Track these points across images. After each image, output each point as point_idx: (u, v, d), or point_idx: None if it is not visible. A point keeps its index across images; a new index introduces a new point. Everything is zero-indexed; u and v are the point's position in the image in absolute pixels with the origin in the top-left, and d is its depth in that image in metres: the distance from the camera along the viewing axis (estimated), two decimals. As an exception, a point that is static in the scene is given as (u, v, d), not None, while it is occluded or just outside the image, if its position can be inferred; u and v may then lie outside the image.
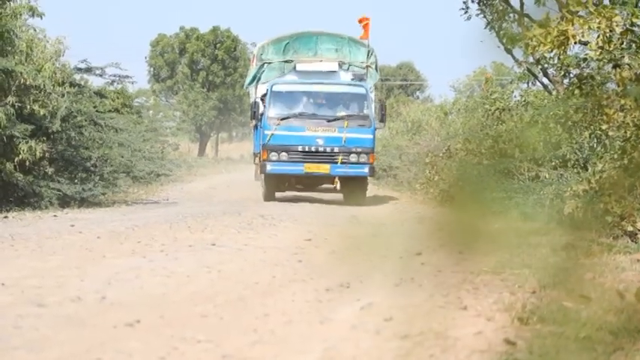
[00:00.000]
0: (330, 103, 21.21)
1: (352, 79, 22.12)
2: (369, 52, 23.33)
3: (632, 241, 10.17)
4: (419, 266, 8.49)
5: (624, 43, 10.28)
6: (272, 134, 20.68)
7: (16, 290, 7.02)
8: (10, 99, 16.54)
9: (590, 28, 10.18)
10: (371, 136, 20.69)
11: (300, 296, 7.14)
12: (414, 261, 8.90)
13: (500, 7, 21.05)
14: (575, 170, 12.55)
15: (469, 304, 6.51)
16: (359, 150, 20.45)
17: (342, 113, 20.84)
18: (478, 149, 16.58)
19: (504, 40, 20.83)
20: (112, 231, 11.73)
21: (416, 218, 14.67)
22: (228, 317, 6.33)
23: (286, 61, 23.16)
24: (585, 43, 10.82)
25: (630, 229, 10.28)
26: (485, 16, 21.30)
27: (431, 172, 20.48)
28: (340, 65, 23.02)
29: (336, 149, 20.44)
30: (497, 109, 17.64)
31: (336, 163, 20.47)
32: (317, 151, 20.46)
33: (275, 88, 21.27)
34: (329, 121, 20.60)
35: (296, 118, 20.74)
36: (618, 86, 10.83)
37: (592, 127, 11.32)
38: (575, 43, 10.44)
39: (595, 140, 11.86)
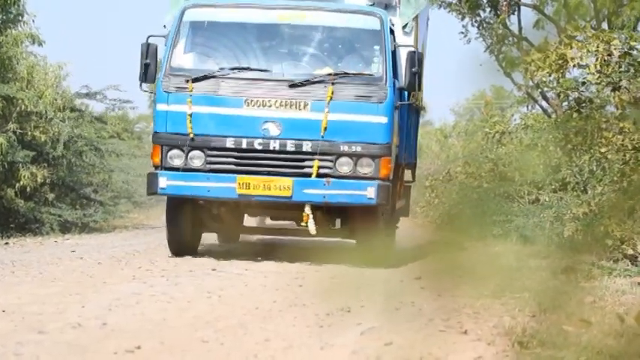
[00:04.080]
0: (303, 51, 11.21)
1: (369, 4, 11.60)
2: None
3: (633, 264, 10.18)
4: (419, 290, 8.50)
5: (622, 67, 10.33)
6: (171, 112, 10.77)
7: (16, 317, 7.02)
8: (11, 125, 16.59)
9: (588, 51, 10.24)
10: (385, 120, 10.66)
11: (300, 321, 7.14)
12: (414, 285, 8.92)
13: (500, 31, 21.18)
14: (575, 193, 12.57)
15: (469, 328, 6.51)
16: (357, 149, 10.60)
17: (326, 70, 10.90)
18: (478, 172, 16.62)
19: (504, 64, 20.97)
20: (113, 257, 11.73)
21: (416, 242, 14.67)
22: (229, 343, 6.33)
23: None
24: (584, 67, 10.87)
25: (630, 252, 10.29)
26: (484, 40, 21.46)
27: (431, 196, 20.50)
28: None
29: (306, 146, 10.63)
30: (497, 132, 17.68)
31: (307, 175, 10.63)
32: (265, 150, 10.67)
33: (188, 16, 11.07)
34: (293, 85, 10.70)
35: (224, 78, 10.77)
36: (617, 109, 10.88)
37: (591, 150, 11.35)
38: (573, 66, 10.50)
39: (594, 163, 11.89)
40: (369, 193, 10.59)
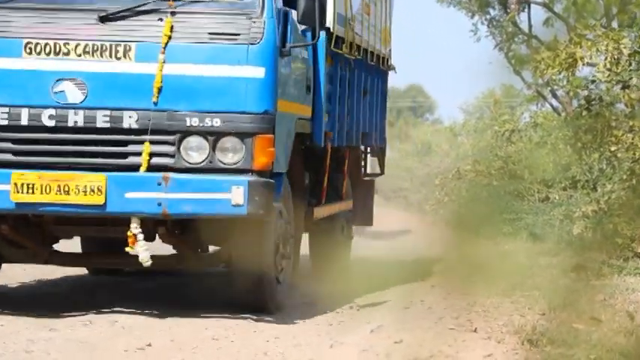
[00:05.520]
0: None
1: None
2: None
3: (643, 262, 10.15)
4: (429, 289, 8.50)
5: (632, 65, 10.32)
6: None
7: (28, 314, 7.05)
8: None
9: (598, 50, 10.23)
10: (260, 73, 6.80)
11: (310, 319, 7.16)
12: (424, 283, 8.92)
13: (509, 29, 21.21)
14: (585, 191, 12.56)
15: (479, 326, 6.52)
16: (214, 123, 6.78)
17: None
18: (488, 170, 16.59)
19: (513, 62, 20.99)
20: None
21: (426, 240, 14.66)
22: (239, 340, 6.35)
23: None
24: (593, 65, 10.87)
25: (640, 250, 10.26)
26: (494, 38, 21.50)
27: (440, 194, 20.49)
28: None
29: (129, 120, 6.80)
30: (507, 130, 17.69)
31: (132, 168, 6.81)
32: (61, 128, 6.81)
33: None
34: (106, 18, 6.84)
35: None
36: (627, 107, 10.86)
37: (601, 148, 11.34)
38: (583, 65, 10.49)
39: (604, 161, 11.88)
40: (236, 196, 6.68)
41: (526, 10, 21.21)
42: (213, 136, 6.75)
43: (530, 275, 8.64)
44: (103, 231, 7.36)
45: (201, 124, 6.74)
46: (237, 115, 6.76)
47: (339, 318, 7.24)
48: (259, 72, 6.80)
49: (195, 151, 6.78)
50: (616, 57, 10.14)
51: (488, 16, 21.53)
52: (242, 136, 6.75)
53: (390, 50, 10.65)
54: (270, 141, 6.81)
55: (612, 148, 10.72)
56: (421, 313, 7.25)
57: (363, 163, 10.15)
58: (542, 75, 10.89)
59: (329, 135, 8.13)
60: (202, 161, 6.76)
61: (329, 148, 8.20)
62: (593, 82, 10.85)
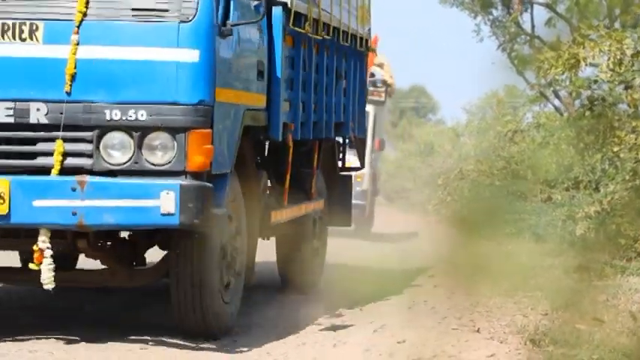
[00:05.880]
0: None
1: None
2: None
3: (646, 262, 10.16)
4: (432, 289, 8.51)
5: (635, 65, 10.33)
6: None
7: (33, 313, 7.06)
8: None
9: (600, 50, 10.24)
10: (194, 56, 5.81)
11: (313, 318, 7.18)
12: (427, 283, 8.93)
13: (512, 29, 21.24)
14: (588, 192, 12.56)
15: (482, 326, 6.53)
16: (139, 116, 5.79)
17: None
18: (490, 171, 16.60)
19: (516, 62, 21.01)
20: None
21: (429, 240, 14.67)
22: (242, 340, 6.37)
23: None
24: (596, 66, 10.88)
25: (643, 250, 10.26)
26: (497, 38, 21.53)
27: (443, 194, 20.50)
28: None
29: (37, 113, 5.79)
30: (509, 130, 17.71)
31: (42, 171, 5.83)
32: None
33: None
34: None
35: None
36: (629, 107, 10.88)
37: (604, 148, 11.35)
38: (586, 65, 10.50)
39: (607, 162, 11.89)
40: (165, 203, 5.71)
41: (529, 10, 21.26)
42: (139, 132, 5.75)
43: (533, 276, 8.64)
44: (14, 245, 6.30)
45: (123, 118, 5.74)
46: (166, 106, 5.76)
47: (343, 317, 7.26)
48: (193, 55, 5.79)
49: (117, 150, 5.79)
50: (619, 57, 10.15)
51: (490, 17, 21.56)
52: (173, 131, 5.74)
53: (369, 30, 9.53)
54: (206, 136, 5.79)
55: (615, 149, 10.73)
56: (424, 312, 7.26)
57: (341, 156, 9.12)
58: (545, 75, 10.90)
59: (290, 127, 7.12)
60: (126, 162, 5.78)
61: (290, 142, 7.13)
62: (595, 82, 10.87)
